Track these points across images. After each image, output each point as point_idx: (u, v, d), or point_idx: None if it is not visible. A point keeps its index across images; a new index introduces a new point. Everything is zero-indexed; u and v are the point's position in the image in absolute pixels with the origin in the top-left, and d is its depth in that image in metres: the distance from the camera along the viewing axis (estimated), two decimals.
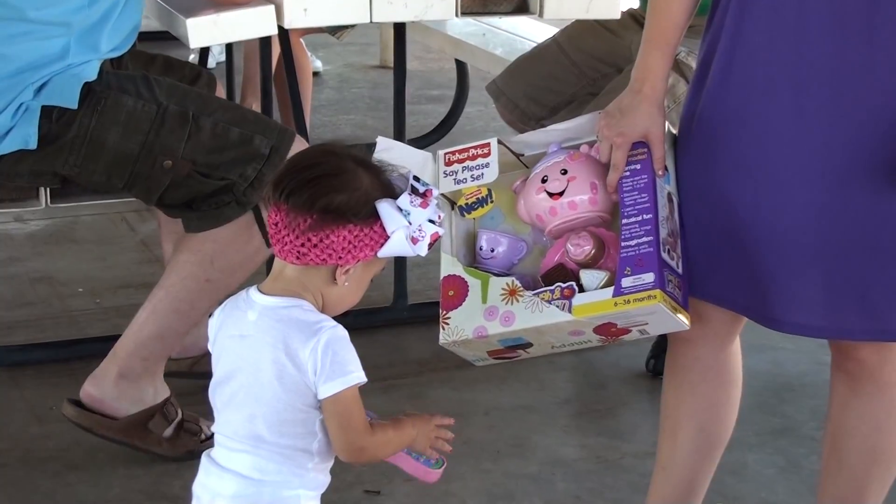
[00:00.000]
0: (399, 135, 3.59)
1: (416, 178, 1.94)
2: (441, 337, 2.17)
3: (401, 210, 1.90)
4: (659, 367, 3.34)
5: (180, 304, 2.86)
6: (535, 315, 2.11)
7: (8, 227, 4.27)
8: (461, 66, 5.17)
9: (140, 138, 2.77)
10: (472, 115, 5.45)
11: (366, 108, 5.85)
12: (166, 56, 3.25)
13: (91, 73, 2.76)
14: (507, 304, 2.13)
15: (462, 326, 2.15)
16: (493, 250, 2.27)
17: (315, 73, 5.88)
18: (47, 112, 2.72)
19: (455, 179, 2.28)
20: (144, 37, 4.87)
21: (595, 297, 2.09)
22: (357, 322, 3.44)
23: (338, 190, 1.89)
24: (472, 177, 2.28)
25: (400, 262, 3.58)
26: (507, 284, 2.15)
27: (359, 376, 1.90)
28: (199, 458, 2.81)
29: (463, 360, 2.29)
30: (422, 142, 5.16)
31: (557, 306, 2.09)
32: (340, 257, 1.90)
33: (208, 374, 3.15)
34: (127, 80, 2.80)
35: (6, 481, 2.87)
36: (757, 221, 2.16)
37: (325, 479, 1.98)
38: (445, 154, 2.32)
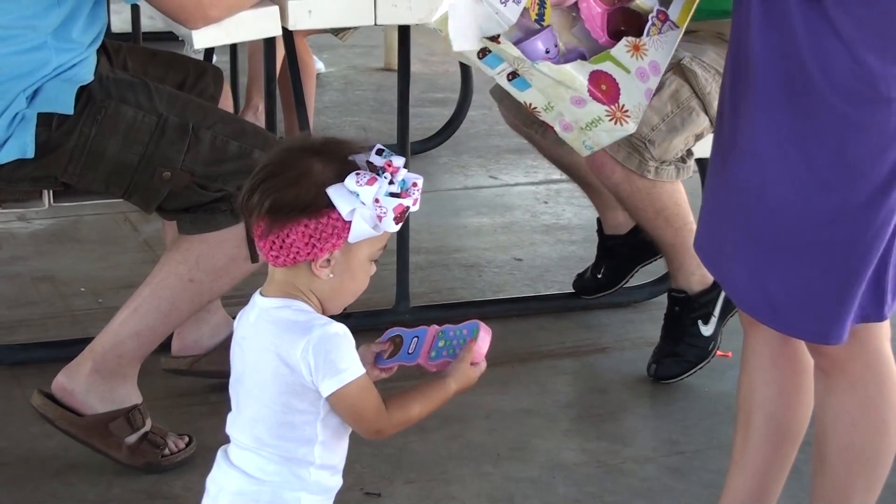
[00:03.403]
0: (402, 137, 3.60)
1: (380, 151, 1.87)
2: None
3: (351, 192, 1.83)
4: (660, 372, 3.34)
5: (161, 303, 2.85)
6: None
7: (11, 226, 4.28)
8: (465, 70, 5.17)
9: (139, 149, 2.77)
10: (475, 118, 5.45)
11: (370, 110, 5.85)
12: (171, 52, 3.22)
13: (85, 76, 2.74)
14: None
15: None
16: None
17: (317, 75, 5.88)
18: (46, 120, 2.70)
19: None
20: (149, 38, 4.92)
21: None
22: (359, 324, 3.43)
23: (283, 187, 1.85)
24: None
25: (402, 265, 3.58)
26: None
27: (352, 373, 1.87)
28: (158, 471, 2.86)
29: None
30: (425, 145, 5.17)
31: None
32: (309, 253, 1.86)
33: (208, 373, 3.17)
34: (127, 89, 2.79)
35: (7, 480, 2.87)
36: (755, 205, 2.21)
37: (332, 484, 1.97)
38: None
